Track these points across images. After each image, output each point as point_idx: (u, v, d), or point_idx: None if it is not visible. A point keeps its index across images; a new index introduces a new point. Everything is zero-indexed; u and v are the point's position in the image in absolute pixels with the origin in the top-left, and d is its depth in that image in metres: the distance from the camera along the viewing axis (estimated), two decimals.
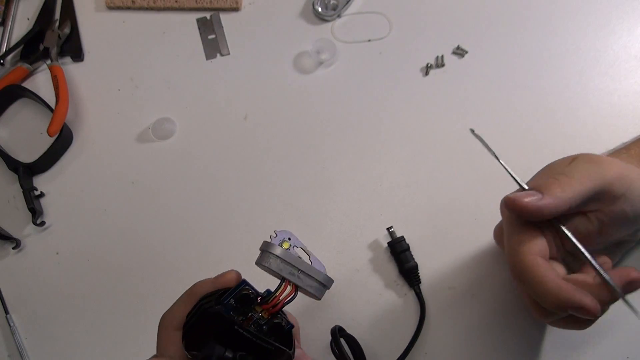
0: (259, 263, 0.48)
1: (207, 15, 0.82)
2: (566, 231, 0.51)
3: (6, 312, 0.70)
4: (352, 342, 0.62)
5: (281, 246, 0.48)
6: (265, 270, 0.49)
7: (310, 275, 0.48)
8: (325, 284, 0.49)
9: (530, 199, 0.49)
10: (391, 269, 0.68)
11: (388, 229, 0.68)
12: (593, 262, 0.49)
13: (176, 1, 0.82)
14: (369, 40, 0.79)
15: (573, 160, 0.52)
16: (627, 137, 0.63)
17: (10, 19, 0.84)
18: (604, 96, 0.72)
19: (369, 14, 0.80)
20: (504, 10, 0.78)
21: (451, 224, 0.69)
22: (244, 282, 0.48)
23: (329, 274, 0.50)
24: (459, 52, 0.76)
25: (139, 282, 0.71)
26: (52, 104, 0.76)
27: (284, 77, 0.78)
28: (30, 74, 0.81)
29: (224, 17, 0.82)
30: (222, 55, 0.80)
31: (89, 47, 0.82)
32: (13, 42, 0.83)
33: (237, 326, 0.46)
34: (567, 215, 0.51)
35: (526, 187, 0.52)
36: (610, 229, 0.52)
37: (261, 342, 0.47)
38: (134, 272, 0.71)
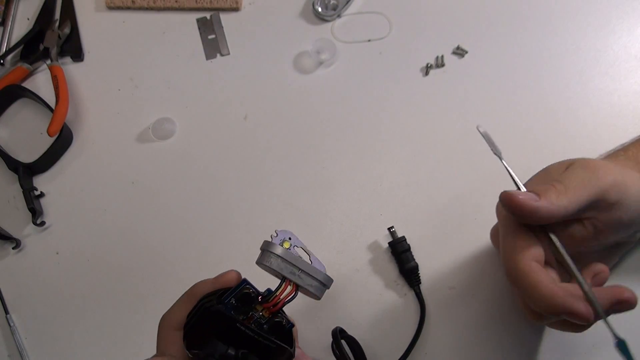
0: (259, 262, 0.48)
1: (207, 15, 0.82)
2: (557, 243, 0.51)
3: (6, 312, 0.70)
4: (353, 343, 0.62)
5: (282, 246, 0.48)
6: (266, 270, 0.49)
7: (310, 275, 0.48)
8: (325, 283, 0.49)
9: (526, 197, 0.49)
10: (391, 269, 0.68)
11: (389, 229, 0.68)
12: (580, 278, 0.49)
13: (176, 1, 0.82)
14: (369, 40, 0.79)
15: (569, 165, 0.52)
16: (627, 137, 0.63)
17: (10, 19, 0.84)
18: (604, 96, 0.72)
19: (369, 14, 0.80)
20: (504, 10, 0.78)
21: (451, 224, 0.69)
22: (244, 282, 0.49)
23: (329, 274, 0.50)
24: (459, 52, 0.76)
25: (139, 282, 0.71)
26: (52, 104, 0.76)
27: (284, 77, 0.78)
28: (30, 74, 0.81)
29: (224, 17, 0.82)
30: (222, 55, 0.80)
31: (89, 47, 0.82)
32: (13, 42, 0.83)
33: (238, 324, 0.46)
34: (560, 222, 0.51)
35: (524, 190, 0.52)
36: (606, 234, 0.52)
37: (263, 340, 0.47)
38: (134, 272, 0.71)
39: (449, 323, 0.65)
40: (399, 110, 0.75)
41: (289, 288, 0.48)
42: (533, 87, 0.74)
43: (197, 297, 0.49)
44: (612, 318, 0.47)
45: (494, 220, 0.58)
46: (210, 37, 0.81)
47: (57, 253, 0.73)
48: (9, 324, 0.70)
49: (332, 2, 0.79)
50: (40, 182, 0.76)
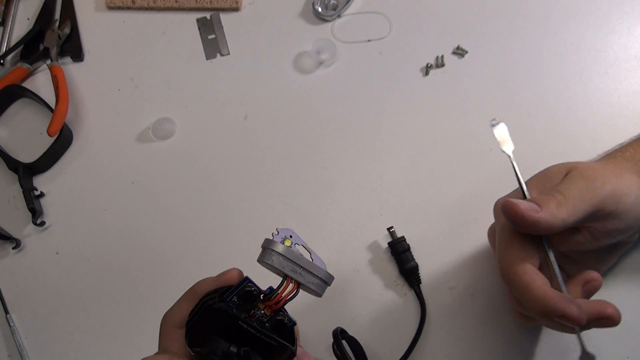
0: (261, 260, 0.48)
1: (207, 15, 0.82)
2: (551, 256, 0.52)
3: (6, 312, 0.70)
4: (354, 343, 0.62)
5: (283, 243, 0.48)
6: (267, 268, 0.49)
7: (312, 272, 0.48)
8: (326, 280, 0.50)
9: (528, 208, 0.49)
10: (391, 269, 0.68)
11: (389, 229, 0.68)
12: (564, 288, 0.51)
13: (176, 1, 0.82)
14: (369, 40, 0.79)
15: (569, 172, 0.52)
16: (626, 137, 0.63)
17: (10, 19, 0.84)
18: (604, 96, 0.72)
19: (369, 14, 0.80)
20: (504, 10, 0.78)
21: (451, 223, 0.69)
22: (246, 280, 0.49)
23: (329, 272, 0.50)
24: (459, 52, 0.76)
25: (139, 282, 0.71)
26: (52, 104, 0.76)
27: (284, 77, 0.78)
28: (30, 74, 0.81)
29: (224, 17, 0.82)
30: (222, 55, 0.80)
31: (89, 47, 0.82)
32: (13, 42, 0.83)
33: (241, 321, 0.46)
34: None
35: (528, 196, 0.52)
36: (602, 240, 0.53)
37: (265, 338, 0.47)
38: (134, 272, 0.71)
39: (449, 323, 0.65)
40: (399, 110, 0.75)
41: (290, 286, 0.48)
42: (533, 87, 0.74)
43: (199, 295, 0.50)
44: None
45: (493, 219, 0.58)
46: (210, 37, 0.81)
47: (57, 253, 0.73)
48: (9, 324, 0.70)
49: (332, 2, 0.79)
50: (40, 182, 0.76)
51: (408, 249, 0.67)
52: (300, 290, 0.49)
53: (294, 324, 0.49)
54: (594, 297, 0.52)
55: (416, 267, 0.66)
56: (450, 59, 0.76)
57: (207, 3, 0.82)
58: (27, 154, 0.75)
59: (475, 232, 0.67)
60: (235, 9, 0.82)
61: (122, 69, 0.81)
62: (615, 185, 0.50)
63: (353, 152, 0.73)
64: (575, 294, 0.51)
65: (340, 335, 0.59)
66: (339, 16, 0.80)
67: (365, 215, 0.70)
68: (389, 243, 0.68)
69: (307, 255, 0.49)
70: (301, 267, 0.48)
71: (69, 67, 0.81)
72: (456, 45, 0.76)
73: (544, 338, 0.63)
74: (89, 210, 0.74)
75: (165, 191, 0.74)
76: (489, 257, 0.67)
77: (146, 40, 0.82)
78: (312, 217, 0.71)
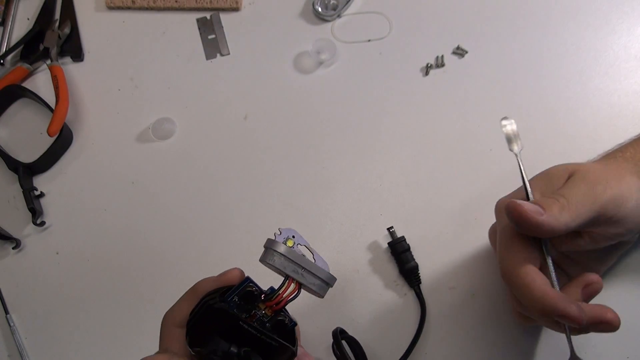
0: (263, 260, 0.48)
1: (207, 15, 0.82)
2: (549, 262, 0.52)
3: (6, 312, 0.70)
4: (354, 343, 0.62)
5: (285, 244, 0.48)
6: (269, 268, 0.49)
7: (313, 274, 0.48)
8: (328, 282, 0.49)
9: (532, 210, 0.49)
10: (391, 269, 0.68)
11: (389, 229, 0.68)
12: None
13: (176, 1, 0.82)
14: (369, 40, 0.79)
15: (571, 175, 0.52)
16: (626, 137, 0.63)
17: (10, 19, 0.84)
18: (604, 96, 0.72)
19: (369, 14, 0.80)
20: (504, 10, 0.78)
21: (451, 223, 0.69)
22: (247, 280, 0.48)
23: (331, 273, 0.50)
24: (459, 52, 0.76)
25: (139, 282, 0.71)
26: (52, 104, 0.76)
27: (284, 77, 0.78)
28: (30, 74, 0.81)
29: (224, 17, 0.82)
30: (222, 55, 0.80)
31: (89, 47, 0.82)
32: (13, 42, 0.83)
33: (241, 322, 0.46)
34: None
35: (532, 198, 0.52)
36: (602, 242, 0.53)
37: (265, 338, 0.47)
38: (134, 272, 0.71)
39: (449, 323, 0.65)
40: (398, 110, 0.75)
41: (292, 286, 0.48)
42: (533, 87, 0.74)
43: (200, 294, 0.49)
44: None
45: (494, 220, 0.58)
46: (210, 37, 0.81)
47: (57, 253, 0.73)
48: (9, 324, 0.69)
49: (332, 2, 0.79)
50: (40, 182, 0.76)
51: (408, 249, 0.67)
52: (302, 291, 0.49)
53: (295, 324, 0.49)
54: (594, 301, 0.52)
55: (416, 267, 0.66)
56: (450, 59, 0.76)
57: (207, 3, 0.82)
58: (27, 154, 0.75)
59: (475, 232, 0.67)
60: (235, 9, 0.82)
61: (122, 69, 0.81)
62: (616, 190, 0.50)
63: (353, 152, 0.73)
64: (575, 297, 0.51)
65: (340, 335, 0.59)
66: (339, 16, 0.80)
67: (365, 215, 0.70)
68: (389, 243, 0.68)
69: (309, 256, 0.49)
70: (303, 268, 0.48)
71: (69, 67, 0.81)
72: (456, 45, 0.76)
73: (544, 338, 0.63)
74: (89, 210, 0.74)
75: (165, 191, 0.74)
76: (489, 257, 0.67)
77: (146, 40, 0.82)
78: (312, 217, 0.71)
